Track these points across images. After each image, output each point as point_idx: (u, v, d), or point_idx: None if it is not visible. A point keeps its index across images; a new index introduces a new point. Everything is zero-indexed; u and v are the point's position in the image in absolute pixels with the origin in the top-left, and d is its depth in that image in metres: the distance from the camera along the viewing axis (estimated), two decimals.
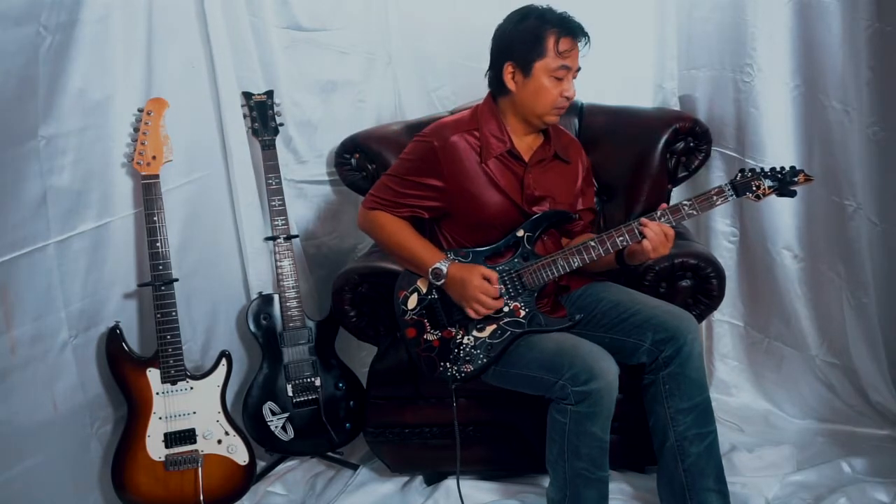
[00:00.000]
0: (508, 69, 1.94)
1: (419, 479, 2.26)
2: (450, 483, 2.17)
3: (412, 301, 1.99)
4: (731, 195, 1.84)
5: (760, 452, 2.25)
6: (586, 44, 1.94)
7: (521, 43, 1.91)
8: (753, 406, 2.59)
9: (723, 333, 2.68)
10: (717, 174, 2.58)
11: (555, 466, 1.85)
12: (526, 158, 2.01)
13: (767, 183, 1.83)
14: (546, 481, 1.93)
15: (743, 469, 2.19)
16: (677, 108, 2.60)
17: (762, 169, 1.85)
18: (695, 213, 1.84)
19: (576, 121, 2.49)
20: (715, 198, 1.84)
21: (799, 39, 2.32)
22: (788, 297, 2.49)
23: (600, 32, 2.09)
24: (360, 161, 2.50)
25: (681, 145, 2.38)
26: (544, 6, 1.95)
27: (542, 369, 1.82)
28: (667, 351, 1.85)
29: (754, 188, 1.83)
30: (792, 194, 1.85)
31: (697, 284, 2.08)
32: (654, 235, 1.81)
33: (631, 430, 2.03)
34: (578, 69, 1.96)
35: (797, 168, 1.84)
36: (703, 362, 1.88)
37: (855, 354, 2.40)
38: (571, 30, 1.91)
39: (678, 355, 1.84)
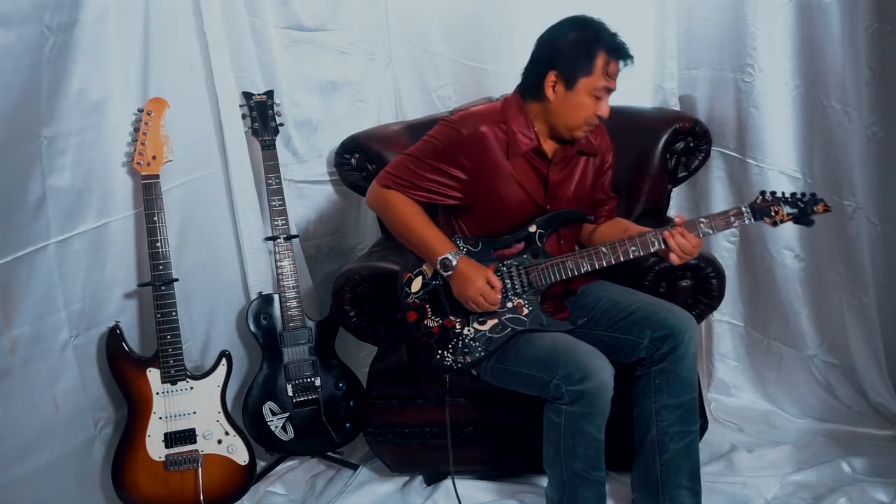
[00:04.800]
0: (551, 78, 1.87)
1: (419, 479, 2.26)
2: (450, 483, 2.17)
3: (416, 284, 1.98)
4: (750, 219, 1.83)
5: (760, 452, 2.26)
6: (628, 65, 1.89)
7: (570, 56, 1.85)
8: (753, 406, 2.59)
9: (722, 333, 2.68)
10: (717, 174, 2.58)
11: (552, 467, 1.85)
12: (549, 155, 1.96)
13: (787, 210, 1.83)
14: (545, 481, 1.93)
15: (743, 469, 2.20)
16: (677, 108, 2.60)
17: (783, 193, 1.84)
18: (710, 231, 1.84)
19: None
20: (732, 219, 1.84)
21: (799, 39, 2.32)
22: (788, 297, 2.49)
23: None
24: (360, 161, 2.50)
25: (681, 145, 2.38)
26: (598, 20, 1.88)
27: (537, 367, 1.82)
28: (663, 348, 1.85)
29: (773, 213, 1.83)
30: (809, 223, 1.84)
31: (697, 284, 2.08)
32: (678, 248, 1.82)
33: (629, 430, 2.02)
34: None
35: (818, 197, 1.84)
36: (696, 363, 1.89)
37: (855, 354, 2.41)
38: (622, 53, 1.86)
39: (673, 353, 1.84)
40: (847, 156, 2.27)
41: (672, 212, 2.57)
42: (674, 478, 1.88)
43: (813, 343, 2.50)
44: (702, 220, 1.84)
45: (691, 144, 2.39)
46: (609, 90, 1.88)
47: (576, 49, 1.85)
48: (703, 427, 2.02)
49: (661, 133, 2.37)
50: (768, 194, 1.84)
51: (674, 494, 1.88)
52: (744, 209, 1.83)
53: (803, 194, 1.84)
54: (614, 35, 1.86)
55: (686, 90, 2.59)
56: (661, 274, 2.08)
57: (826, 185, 2.35)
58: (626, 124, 2.44)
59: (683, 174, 2.42)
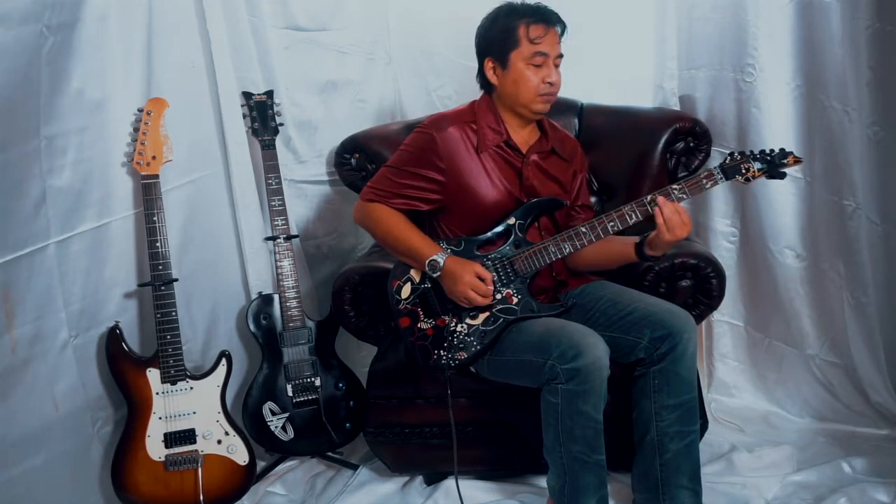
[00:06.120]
0: (489, 65, 2.02)
1: (419, 479, 2.26)
2: (450, 483, 2.17)
3: (405, 290, 2.01)
4: (721, 178, 1.84)
5: (760, 452, 2.26)
6: (562, 31, 1.98)
7: (495, 38, 1.99)
8: (753, 406, 2.59)
9: (723, 333, 2.68)
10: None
11: (552, 453, 1.85)
12: (523, 150, 2.04)
13: (757, 166, 1.83)
14: (544, 481, 1.93)
15: (743, 469, 2.20)
16: (677, 108, 2.60)
17: (751, 151, 1.85)
18: (685, 196, 1.84)
19: (576, 121, 2.49)
20: (705, 181, 1.84)
21: (800, 39, 2.32)
22: (789, 296, 2.49)
23: (600, 32, 2.10)
24: (360, 161, 2.50)
25: (681, 145, 2.38)
26: (520, 1, 2.01)
27: (532, 351, 1.83)
28: (662, 348, 1.85)
29: (743, 171, 1.83)
30: (781, 176, 1.85)
31: (697, 284, 2.08)
32: (670, 215, 1.79)
33: (629, 430, 2.02)
34: (560, 56, 1.99)
35: (786, 150, 1.84)
36: (695, 362, 1.89)
37: (855, 354, 2.40)
38: (542, 16, 1.96)
39: (672, 352, 1.84)
40: (847, 156, 2.27)
41: None
42: (674, 478, 1.88)
43: (814, 343, 2.50)
44: (674, 186, 1.84)
45: (691, 144, 2.39)
46: (542, 54, 1.95)
47: (498, 30, 2.00)
48: (704, 427, 2.02)
49: (661, 133, 2.36)
50: (737, 153, 1.86)
51: (674, 495, 1.88)
52: (714, 170, 1.84)
53: (772, 150, 1.85)
54: (534, 4, 1.98)
55: (686, 90, 2.59)
56: (661, 274, 2.08)
57: (826, 184, 2.35)
58: (626, 124, 2.45)
59: (683, 174, 2.41)
